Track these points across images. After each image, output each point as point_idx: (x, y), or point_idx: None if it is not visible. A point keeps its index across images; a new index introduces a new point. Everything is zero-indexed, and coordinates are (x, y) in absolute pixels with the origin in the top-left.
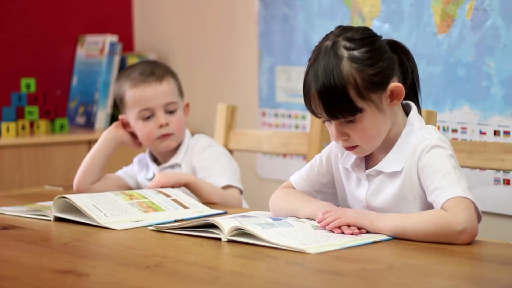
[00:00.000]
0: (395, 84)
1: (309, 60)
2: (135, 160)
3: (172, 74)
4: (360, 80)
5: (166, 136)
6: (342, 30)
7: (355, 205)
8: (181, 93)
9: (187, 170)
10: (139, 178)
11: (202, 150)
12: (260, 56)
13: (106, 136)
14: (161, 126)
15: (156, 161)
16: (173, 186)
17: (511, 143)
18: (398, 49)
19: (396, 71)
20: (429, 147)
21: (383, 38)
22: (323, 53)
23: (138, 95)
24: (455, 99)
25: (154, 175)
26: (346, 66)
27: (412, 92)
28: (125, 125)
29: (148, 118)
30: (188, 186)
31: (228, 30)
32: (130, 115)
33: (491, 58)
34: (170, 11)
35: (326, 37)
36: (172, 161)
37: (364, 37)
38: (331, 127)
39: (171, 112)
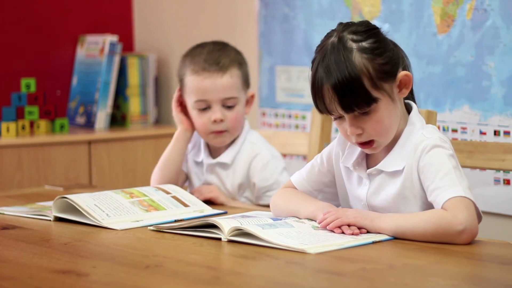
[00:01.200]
0: (404, 73)
1: (313, 61)
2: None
3: (240, 64)
4: (372, 70)
5: (219, 132)
6: (345, 26)
7: (356, 204)
8: (246, 84)
9: (240, 172)
10: (189, 156)
11: (263, 168)
12: (260, 56)
13: (182, 136)
14: (215, 121)
15: (208, 146)
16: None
17: (511, 143)
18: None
19: (401, 62)
20: (430, 147)
21: None
22: (331, 49)
23: (196, 84)
24: (455, 99)
25: (202, 161)
26: (358, 58)
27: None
28: (183, 106)
29: (203, 109)
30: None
31: (228, 30)
32: (187, 100)
33: (491, 58)
34: (170, 11)
35: (329, 35)
36: (222, 158)
37: (368, 29)
38: (343, 124)
39: (229, 107)
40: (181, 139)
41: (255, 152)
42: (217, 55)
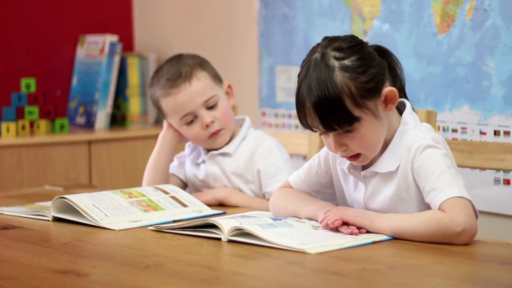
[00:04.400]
0: (388, 89)
1: (298, 75)
2: (189, 142)
3: (200, 65)
4: (354, 89)
5: (215, 134)
6: (329, 41)
7: (354, 206)
8: (218, 80)
9: (243, 160)
10: (187, 160)
11: (267, 154)
12: (260, 56)
13: (165, 137)
14: (207, 126)
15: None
16: (210, 203)
17: (511, 143)
18: (383, 54)
19: (387, 76)
20: (423, 147)
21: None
22: (314, 66)
23: (172, 103)
24: (455, 99)
25: (203, 161)
26: (339, 76)
27: (402, 94)
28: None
29: (191, 121)
30: (224, 201)
31: (228, 30)
32: (172, 122)
33: (491, 58)
34: (170, 11)
35: (313, 50)
36: (224, 149)
37: (352, 45)
38: (328, 139)
39: (212, 107)
40: (166, 137)
41: (259, 142)
42: (175, 68)
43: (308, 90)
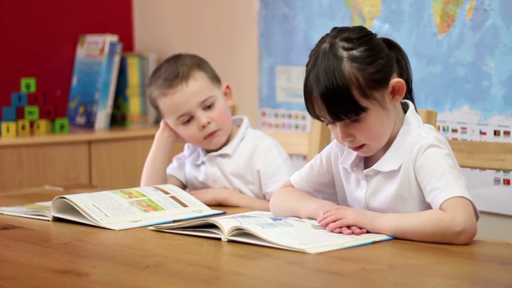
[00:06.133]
0: (396, 80)
1: (307, 65)
2: (188, 144)
3: (198, 65)
4: (362, 79)
5: (212, 134)
6: (338, 32)
7: (355, 205)
8: (216, 80)
9: (242, 160)
10: (187, 162)
11: (266, 154)
12: (260, 56)
13: (161, 136)
14: (203, 127)
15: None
16: (209, 204)
17: (511, 143)
18: (391, 47)
19: (395, 68)
20: (426, 147)
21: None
22: (322, 56)
23: (169, 103)
24: (455, 99)
25: (202, 162)
26: (347, 67)
27: (407, 90)
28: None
29: (188, 121)
30: (224, 202)
31: (228, 30)
32: (169, 121)
33: (491, 58)
34: (170, 11)
35: (322, 40)
36: (223, 150)
37: (361, 36)
38: (335, 129)
39: (209, 107)
40: (163, 136)
41: (258, 142)
42: (173, 68)
43: (316, 80)
